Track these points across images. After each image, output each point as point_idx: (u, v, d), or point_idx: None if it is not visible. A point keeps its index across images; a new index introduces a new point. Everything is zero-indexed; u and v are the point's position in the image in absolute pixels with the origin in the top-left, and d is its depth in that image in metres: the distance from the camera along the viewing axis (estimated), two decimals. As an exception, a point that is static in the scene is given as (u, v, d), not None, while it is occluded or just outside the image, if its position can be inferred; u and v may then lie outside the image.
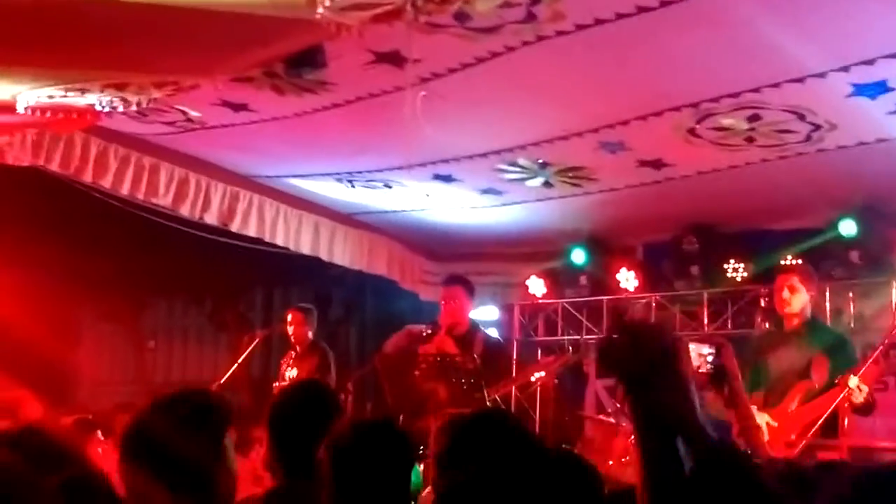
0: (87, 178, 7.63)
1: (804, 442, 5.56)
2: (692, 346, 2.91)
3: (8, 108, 5.74)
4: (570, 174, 7.55)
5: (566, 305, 9.34)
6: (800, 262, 7.27)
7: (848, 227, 7.57)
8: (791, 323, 6.28)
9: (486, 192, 8.16)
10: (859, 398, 5.48)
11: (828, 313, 7.70)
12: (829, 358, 6.04)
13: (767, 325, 7.46)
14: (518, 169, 7.52)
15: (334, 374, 7.85)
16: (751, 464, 2.55)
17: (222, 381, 7.63)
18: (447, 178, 7.89)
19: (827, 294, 7.74)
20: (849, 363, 6.01)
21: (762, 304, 7.81)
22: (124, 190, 7.84)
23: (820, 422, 5.52)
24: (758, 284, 7.89)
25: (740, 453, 3.21)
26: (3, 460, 2.08)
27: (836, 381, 5.68)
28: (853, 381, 5.48)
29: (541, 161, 7.32)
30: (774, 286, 6.40)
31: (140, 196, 7.95)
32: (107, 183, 7.72)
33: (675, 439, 2.19)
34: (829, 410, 5.48)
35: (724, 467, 2.24)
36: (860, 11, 4.82)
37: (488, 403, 6.28)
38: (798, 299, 6.21)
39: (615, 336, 2.35)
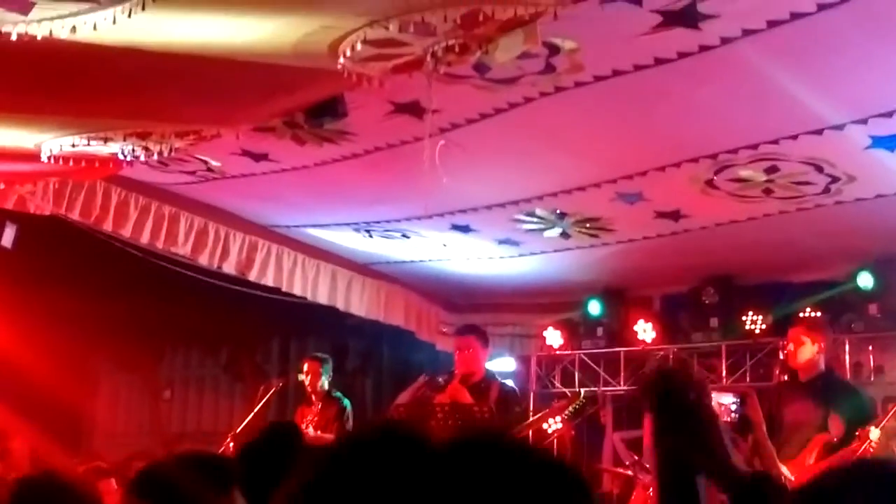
0: (108, 227, 7.68)
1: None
2: (714, 395, 2.91)
3: (32, 156, 5.79)
4: (588, 225, 7.55)
5: (583, 357, 9.29)
6: (811, 315, 7.28)
7: (866, 280, 7.56)
8: (804, 375, 6.27)
9: (503, 242, 8.16)
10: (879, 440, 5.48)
11: (847, 366, 7.68)
12: (845, 411, 6.01)
13: (785, 378, 7.43)
14: (535, 219, 7.53)
15: (351, 425, 7.82)
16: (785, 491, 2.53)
17: (238, 431, 7.59)
18: (465, 229, 7.89)
19: (846, 347, 7.73)
20: (864, 416, 5.98)
21: (781, 356, 7.76)
22: (144, 239, 7.88)
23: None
24: (776, 337, 7.78)
25: (775, 480, 3.19)
26: None
27: (857, 433, 5.64)
28: (874, 433, 5.45)
29: (558, 211, 7.34)
30: (786, 340, 6.45)
31: (159, 245, 8.00)
32: (126, 232, 7.77)
33: (695, 477, 2.17)
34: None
35: (762, 495, 2.22)
36: (878, 64, 4.85)
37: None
38: (804, 352, 6.23)
39: (653, 376, 2.34)
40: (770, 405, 6.41)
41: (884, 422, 5.70)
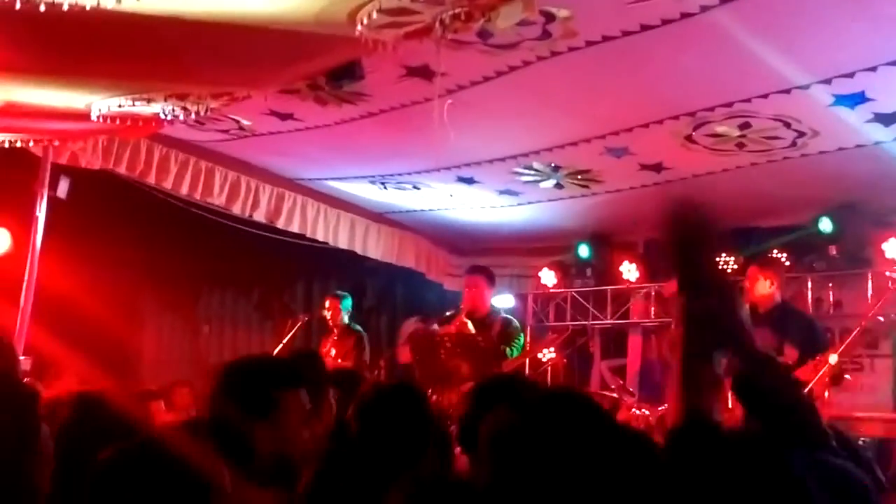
0: (151, 180, 7.72)
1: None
2: None
3: (83, 115, 5.76)
4: (579, 177, 7.54)
5: (574, 294, 9.32)
6: (766, 255, 7.29)
7: (826, 225, 7.52)
8: (762, 308, 6.34)
9: (503, 192, 8.17)
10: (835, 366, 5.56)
11: (809, 301, 7.69)
12: (798, 338, 6.08)
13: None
14: (533, 172, 7.52)
15: (368, 354, 7.88)
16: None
17: (270, 360, 7.65)
18: (469, 181, 7.90)
19: (809, 284, 7.74)
20: (816, 342, 6.04)
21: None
22: (183, 191, 7.93)
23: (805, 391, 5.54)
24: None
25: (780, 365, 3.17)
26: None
27: (817, 358, 5.69)
28: (833, 358, 5.50)
29: (553, 165, 7.32)
30: (747, 277, 6.51)
31: (197, 196, 8.05)
32: (168, 184, 7.81)
33: (715, 349, 2.15)
34: (813, 381, 5.49)
35: (770, 374, 2.20)
36: (841, 30, 4.80)
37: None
38: (759, 287, 6.30)
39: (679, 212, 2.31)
40: None
41: (841, 348, 5.74)
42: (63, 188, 7.38)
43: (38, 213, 7.21)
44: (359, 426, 2.81)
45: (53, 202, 7.30)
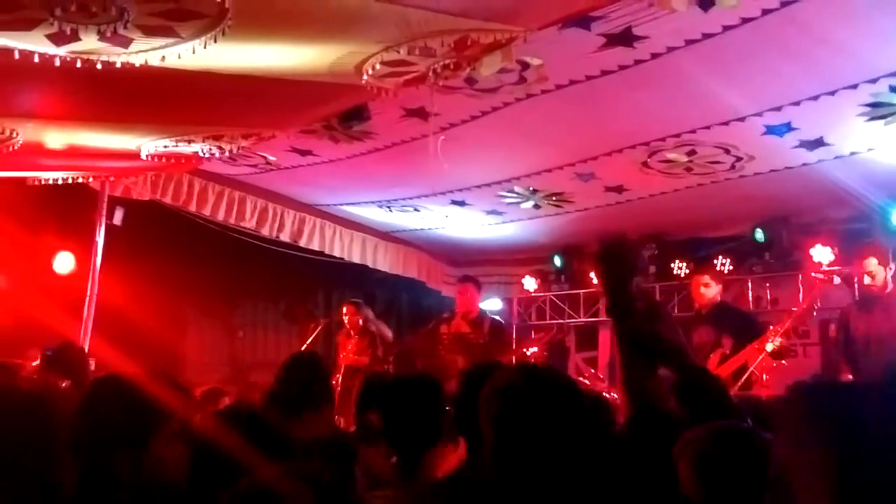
0: (193, 208, 7.74)
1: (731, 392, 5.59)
2: None
3: (134, 155, 5.81)
4: (553, 198, 7.53)
5: (552, 297, 9.30)
6: (709, 265, 7.29)
7: (762, 235, 7.49)
8: (704, 310, 6.37)
9: (490, 213, 8.15)
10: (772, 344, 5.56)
11: (750, 299, 7.69)
12: (733, 329, 6.10)
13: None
14: (514, 195, 7.51)
15: (381, 351, 7.88)
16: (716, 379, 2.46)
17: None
18: (461, 203, 7.89)
19: (749, 285, 7.73)
20: (750, 332, 6.05)
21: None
22: (220, 216, 7.94)
23: (748, 372, 5.57)
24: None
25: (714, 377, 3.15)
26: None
27: (755, 345, 5.71)
28: (769, 346, 5.53)
29: (531, 188, 7.31)
30: (690, 282, 6.53)
31: (231, 221, 8.05)
32: (206, 212, 7.83)
33: (653, 364, 2.14)
34: (756, 362, 5.51)
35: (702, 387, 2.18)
36: (771, 70, 4.82)
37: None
38: (702, 292, 6.32)
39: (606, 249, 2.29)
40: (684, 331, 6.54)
41: (776, 335, 5.74)
42: (118, 216, 7.42)
43: (97, 238, 7.27)
44: (383, 414, 2.78)
45: (110, 229, 7.34)
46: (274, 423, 2.35)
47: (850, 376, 5.50)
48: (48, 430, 1.85)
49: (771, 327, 5.90)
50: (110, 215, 7.31)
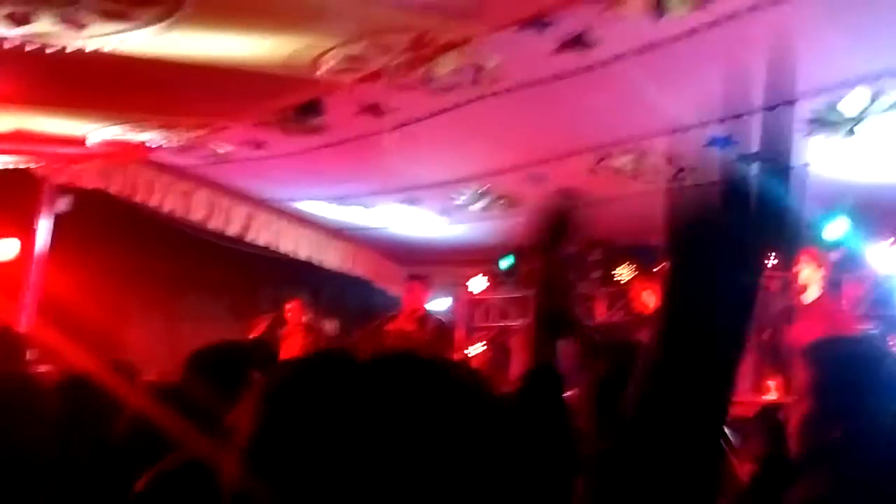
0: (139, 198, 7.59)
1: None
2: None
3: (80, 141, 5.71)
4: (503, 201, 7.56)
5: (499, 299, 9.36)
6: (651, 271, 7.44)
7: None
8: (645, 313, 6.53)
9: (442, 212, 8.16)
10: None
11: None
12: None
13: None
14: (466, 196, 7.54)
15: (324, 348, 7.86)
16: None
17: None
18: (413, 202, 7.88)
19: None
20: None
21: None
22: (166, 208, 7.80)
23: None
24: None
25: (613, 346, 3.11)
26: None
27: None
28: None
29: (482, 190, 7.36)
30: (632, 288, 6.66)
31: (179, 213, 7.91)
32: (154, 202, 7.69)
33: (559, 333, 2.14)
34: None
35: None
36: (713, 82, 4.95)
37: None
38: (644, 297, 6.47)
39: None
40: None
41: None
42: (64, 204, 7.28)
43: (39, 226, 7.11)
44: None
45: (56, 217, 7.20)
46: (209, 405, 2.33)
47: (773, 382, 5.67)
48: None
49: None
50: (55, 203, 7.16)
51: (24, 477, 1.80)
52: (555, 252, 2.14)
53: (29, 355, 4.74)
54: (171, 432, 2.19)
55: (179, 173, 7.69)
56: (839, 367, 1.68)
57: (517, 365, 9.00)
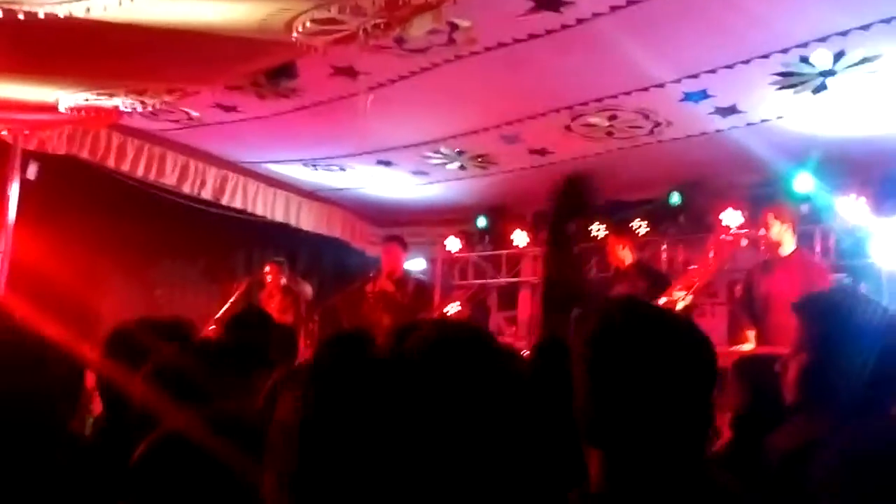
0: (111, 163, 7.56)
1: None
2: None
3: (51, 107, 5.64)
4: (479, 160, 7.61)
5: (475, 258, 9.42)
6: (626, 226, 7.54)
7: (677, 198, 7.67)
8: (620, 267, 6.64)
9: (416, 173, 8.18)
10: (683, 302, 5.82)
11: (664, 259, 7.94)
12: (648, 284, 6.37)
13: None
14: (440, 156, 7.56)
15: (304, 310, 7.91)
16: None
17: (218, 317, 7.61)
18: (387, 163, 7.89)
19: (664, 246, 7.98)
20: (664, 287, 6.32)
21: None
22: (139, 173, 7.78)
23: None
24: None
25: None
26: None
27: (666, 298, 5.97)
28: (681, 304, 5.79)
29: (457, 150, 7.37)
30: (607, 244, 6.77)
31: (151, 177, 7.90)
32: (125, 167, 7.66)
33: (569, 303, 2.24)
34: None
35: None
36: (688, 38, 5.00)
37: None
38: (617, 252, 6.60)
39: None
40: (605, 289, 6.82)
41: (691, 291, 6.01)
42: (32, 171, 7.22)
43: (9, 193, 7.03)
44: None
45: (24, 183, 7.12)
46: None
47: (753, 332, 5.82)
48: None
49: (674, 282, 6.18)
50: (24, 169, 7.08)
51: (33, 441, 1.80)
52: (563, 227, 2.24)
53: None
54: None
55: (151, 137, 7.65)
56: (833, 320, 1.78)
57: (496, 322, 9.13)
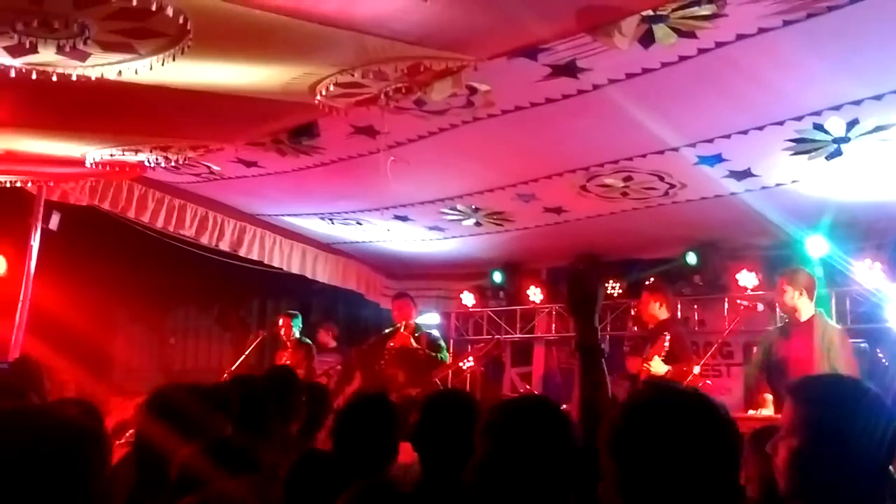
0: (132, 215, 7.68)
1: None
2: None
3: (78, 162, 5.78)
4: (495, 217, 7.66)
5: (490, 313, 9.42)
6: (653, 282, 7.55)
7: (692, 258, 7.69)
8: (650, 324, 6.62)
9: (432, 228, 8.24)
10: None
11: (678, 319, 7.94)
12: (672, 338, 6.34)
13: (636, 329, 7.71)
14: (457, 212, 7.63)
15: (316, 364, 7.94)
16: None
17: (233, 369, 7.65)
18: (404, 218, 7.96)
19: (679, 306, 7.99)
20: (683, 347, 6.31)
21: (633, 312, 8.02)
22: (159, 224, 7.89)
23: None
24: (628, 298, 8.03)
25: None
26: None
27: (684, 368, 5.97)
28: (696, 368, 5.80)
29: (473, 207, 7.44)
30: (641, 300, 6.72)
31: (170, 228, 8.00)
32: (146, 218, 7.79)
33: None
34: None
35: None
36: (704, 106, 5.06)
37: (437, 383, 6.44)
38: (651, 308, 6.58)
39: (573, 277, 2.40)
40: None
41: (703, 359, 6.04)
42: (55, 221, 7.35)
43: (32, 243, 7.18)
44: (337, 430, 2.86)
45: (46, 233, 7.26)
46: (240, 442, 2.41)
47: (770, 396, 5.80)
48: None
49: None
50: (46, 220, 7.23)
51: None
52: (586, 313, 2.29)
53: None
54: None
55: (171, 190, 7.79)
56: (826, 406, 1.79)
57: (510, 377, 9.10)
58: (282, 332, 8.14)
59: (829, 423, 1.72)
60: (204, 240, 8.24)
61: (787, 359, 5.64)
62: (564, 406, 2.37)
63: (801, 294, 5.73)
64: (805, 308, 5.75)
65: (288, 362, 7.82)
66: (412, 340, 6.92)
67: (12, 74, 3.72)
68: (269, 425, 2.93)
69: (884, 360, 6.63)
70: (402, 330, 7.01)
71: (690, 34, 4.21)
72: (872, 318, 6.75)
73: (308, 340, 8.23)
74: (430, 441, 2.69)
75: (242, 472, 2.12)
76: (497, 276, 9.22)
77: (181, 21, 3.38)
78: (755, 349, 6.32)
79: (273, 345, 8.79)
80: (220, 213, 8.27)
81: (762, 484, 2.62)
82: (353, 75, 4.21)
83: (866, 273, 6.62)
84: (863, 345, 6.65)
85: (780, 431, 1.87)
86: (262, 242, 8.74)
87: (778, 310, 6.04)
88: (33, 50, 3.59)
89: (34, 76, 3.79)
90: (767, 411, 5.67)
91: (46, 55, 3.67)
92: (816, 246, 6.80)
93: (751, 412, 5.79)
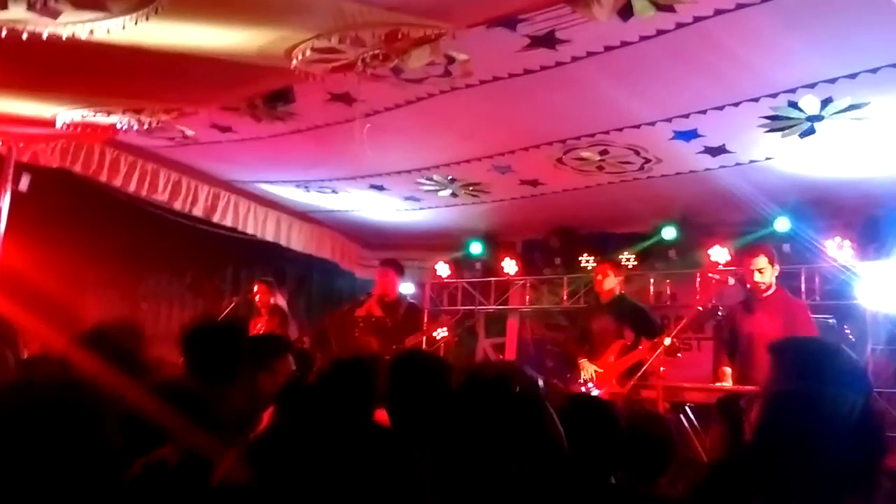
0: (103, 178, 7.57)
1: (632, 382, 5.93)
2: None
3: (49, 123, 5.69)
4: (471, 188, 7.69)
5: (464, 284, 9.47)
6: (614, 256, 7.64)
7: (668, 233, 7.79)
8: (603, 298, 6.71)
9: (408, 199, 8.25)
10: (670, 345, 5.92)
11: (651, 294, 8.05)
12: (633, 322, 6.46)
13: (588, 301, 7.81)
14: (433, 183, 7.64)
15: (291, 331, 7.95)
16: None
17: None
18: (380, 188, 7.96)
19: (652, 280, 8.09)
20: (649, 326, 6.42)
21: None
22: (131, 188, 7.78)
23: (645, 366, 5.91)
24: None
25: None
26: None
27: (654, 340, 6.05)
28: (668, 340, 5.89)
29: (450, 178, 7.45)
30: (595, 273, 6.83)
31: (143, 193, 7.89)
32: (118, 182, 7.67)
33: None
34: (652, 357, 5.84)
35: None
36: (680, 81, 5.10)
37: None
38: (606, 282, 6.67)
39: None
40: (582, 321, 6.88)
41: (674, 332, 6.12)
42: (24, 183, 7.23)
43: (1, 205, 7.06)
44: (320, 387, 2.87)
45: (16, 195, 7.16)
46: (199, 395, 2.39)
47: (729, 370, 5.91)
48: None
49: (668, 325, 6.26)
50: (16, 181, 7.12)
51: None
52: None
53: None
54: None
55: (144, 154, 7.68)
56: (800, 363, 1.86)
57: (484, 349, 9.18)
58: (256, 298, 8.13)
59: (809, 373, 1.79)
60: (177, 205, 8.16)
61: (752, 333, 5.74)
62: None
63: (772, 266, 5.84)
64: (772, 283, 5.86)
65: (262, 329, 7.85)
66: (381, 310, 6.93)
67: (-20, 31, 3.64)
68: (235, 368, 2.91)
69: (851, 336, 6.77)
70: (375, 300, 7.03)
71: (669, 8, 4.22)
72: (841, 295, 6.87)
73: (284, 307, 8.22)
74: (398, 399, 2.71)
75: (196, 420, 2.06)
76: (472, 248, 9.27)
77: (155, -20, 3.34)
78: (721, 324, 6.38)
79: (247, 312, 8.76)
80: (194, 178, 8.18)
81: (728, 445, 2.69)
82: (329, 41, 4.17)
83: (836, 250, 6.73)
84: (831, 321, 6.77)
85: (761, 390, 1.94)
86: (236, 209, 8.68)
87: (748, 285, 6.11)
88: (3, 6, 3.52)
89: (3, 34, 3.71)
90: (727, 384, 5.78)
91: (17, 11, 3.61)
92: (786, 223, 6.89)
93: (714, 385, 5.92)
